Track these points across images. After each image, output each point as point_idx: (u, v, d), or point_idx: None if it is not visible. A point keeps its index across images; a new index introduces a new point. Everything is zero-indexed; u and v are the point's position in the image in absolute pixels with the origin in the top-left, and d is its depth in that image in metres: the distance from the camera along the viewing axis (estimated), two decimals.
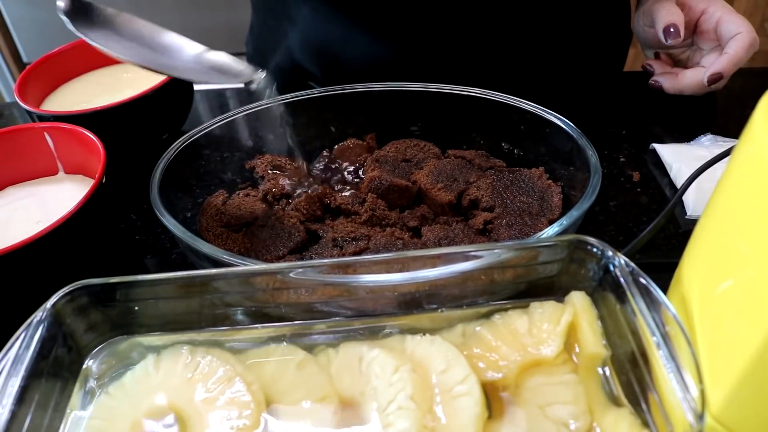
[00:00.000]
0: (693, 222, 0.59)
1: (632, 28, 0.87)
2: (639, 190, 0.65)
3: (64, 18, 0.50)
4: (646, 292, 0.36)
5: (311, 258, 0.53)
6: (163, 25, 0.53)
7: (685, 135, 0.71)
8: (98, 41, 0.50)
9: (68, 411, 0.38)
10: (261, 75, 0.54)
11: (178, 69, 0.52)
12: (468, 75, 0.80)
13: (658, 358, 0.34)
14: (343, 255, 0.52)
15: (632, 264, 0.38)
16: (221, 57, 0.54)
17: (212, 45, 0.53)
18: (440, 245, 0.53)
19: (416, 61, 0.81)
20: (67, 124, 0.61)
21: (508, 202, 0.57)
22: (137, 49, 0.52)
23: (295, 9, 0.83)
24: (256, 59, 0.97)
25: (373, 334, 0.42)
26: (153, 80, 0.69)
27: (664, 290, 0.41)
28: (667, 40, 0.72)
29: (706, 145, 0.68)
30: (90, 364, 0.41)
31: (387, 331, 0.42)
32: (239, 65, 0.54)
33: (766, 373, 0.30)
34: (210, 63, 0.54)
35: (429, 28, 0.79)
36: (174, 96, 0.71)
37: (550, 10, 0.80)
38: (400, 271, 0.41)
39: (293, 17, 0.84)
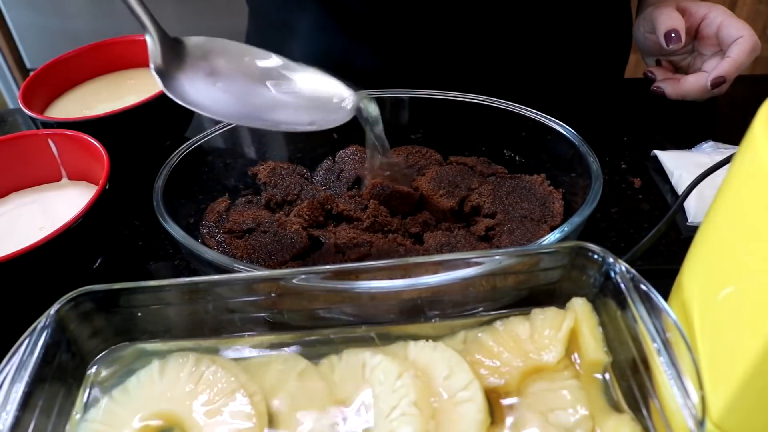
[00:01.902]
0: (694, 229, 0.59)
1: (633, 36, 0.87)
2: (640, 196, 0.65)
3: (157, 78, 0.47)
4: (646, 299, 0.36)
5: (313, 264, 0.53)
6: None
7: (686, 142, 0.71)
8: (191, 95, 0.48)
9: (72, 416, 0.38)
10: (362, 96, 0.51)
11: (275, 119, 0.49)
12: (470, 82, 0.80)
13: (659, 364, 0.34)
14: (346, 261, 0.52)
15: (633, 270, 0.38)
16: (320, 84, 0.51)
17: None
18: (442, 252, 0.53)
19: (418, 67, 0.81)
20: (70, 131, 0.61)
21: (510, 208, 0.57)
22: (231, 89, 0.49)
23: (294, 18, 0.83)
24: None
25: (375, 341, 0.42)
26: (156, 87, 0.69)
27: (665, 297, 0.41)
28: (668, 45, 0.73)
29: (708, 152, 0.68)
30: (94, 370, 0.41)
31: (390, 337, 0.42)
32: (339, 89, 0.51)
33: (767, 379, 0.30)
34: (309, 96, 0.50)
35: (431, 35, 0.79)
36: (177, 103, 0.71)
37: (551, 17, 0.81)
38: (402, 277, 0.41)
39: (292, 27, 0.84)
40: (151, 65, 0.47)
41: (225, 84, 0.49)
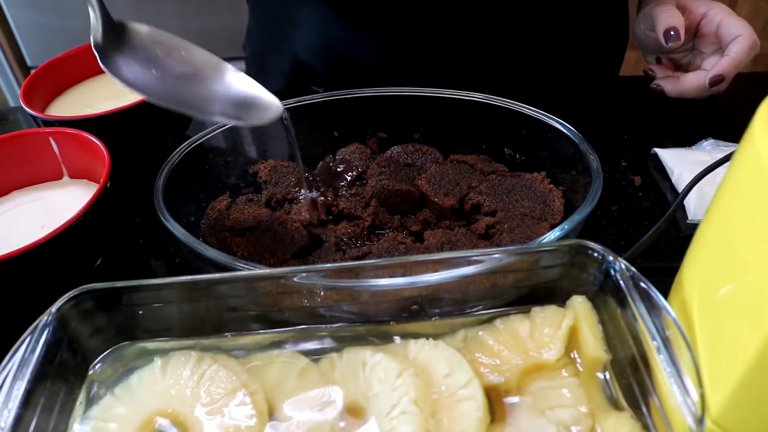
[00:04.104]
0: (694, 226, 0.59)
1: (631, 32, 0.87)
2: (640, 194, 0.65)
3: (96, 53, 0.49)
4: (646, 297, 0.36)
5: (314, 262, 0.53)
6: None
7: (686, 139, 0.71)
8: (125, 74, 0.49)
9: (74, 414, 0.38)
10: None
11: (204, 109, 0.51)
12: (470, 80, 0.80)
13: (659, 362, 0.34)
14: (346, 260, 0.53)
15: (633, 268, 0.38)
16: (250, 86, 0.53)
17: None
18: (442, 250, 0.53)
19: (419, 65, 0.81)
20: (71, 129, 0.61)
21: (510, 206, 0.57)
22: (166, 78, 0.51)
23: (296, 10, 0.83)
24: (254, 63, 0.97)
25: (375, 339, 0.42)
26: None
27: (666, 294, 0.41)
28: (667, 43, 0.73)
29: (708, 150, 0.68)
30: (96, 368, 0.41)
31: (390, 335, 0.42)
32: (268, 95, 0.53)
33: (766, 377, 0.31)
34: (238, 93, 0.52)
35: (431, 32, 0.79)
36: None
37: (550, 14, 0.81)
38: (403, 275, 0.41)
39: (294, 19, 0.84)
40: (91, 40, 0.49)
41: (160, 72, 0.51)
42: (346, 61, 0.83)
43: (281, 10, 0.86)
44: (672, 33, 0.72)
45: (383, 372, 0.39)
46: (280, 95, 0.54)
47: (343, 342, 0.42)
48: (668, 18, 0.73)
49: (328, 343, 0.42)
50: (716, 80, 0.71)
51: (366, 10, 0.78)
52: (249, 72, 0.99)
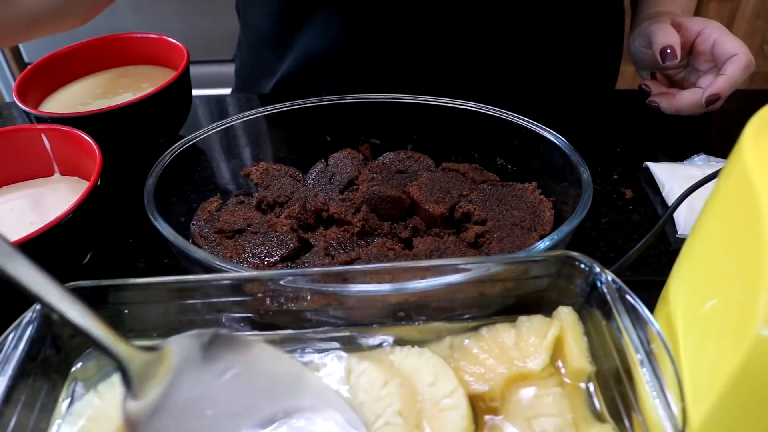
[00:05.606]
0: (683, 241, 0.59)
1: (626, 46, 0.88)
2: (631, 207, 0.65)
3: None
4: (632, 310, 0.37)
5: (303, 266, 0.53)
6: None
7: (678, 154, 0.71)
8: None
9: (56, 411, 0.38)
10: None
11: None
12: (464, 89, 0.81)
13: (642, 375, 0.34)
14: (334, 264, 0.52)
15: (619, 281, 0.38)
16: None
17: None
18: (431, 257, 0.53)
19: (414, 74, 0.82)
20: (64, 126, 0.61)
21: (501, 216, 0.57)
22: None
23: (287, 34, 0.83)
24: (242, 77, 0.97)
25: (361, 345, 0.42)
26: (151, 85, 0.69)
27: (653, 308, 0.42)
28: (664, 62, 0.73)
29: (699, 165, 0.69)
30: (79, 365, 0.41)
31: (376, 341, 0.42)
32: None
33: (746, 392, 0.31)
34: None
35: (427, 43, 0.79)
36: (172, 101, 0.71)
37: (545, 26, 0.81)
38: (391, 281, 0.41)
39: (285, 41, 0.84)
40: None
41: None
42: (339, 74, 0.83)
43: (271, 34, 0.86)
44: (669, 51, 0.73)
45: (368, 381, 0.39)
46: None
47: (328, 346, 0.42)
48: (664, 36, 0.74)
49: (313, 347, 0.42)
50: (712, 99, 0.72)
51: (360, 22, 0.79)
52: (236, 83, 0.99)
